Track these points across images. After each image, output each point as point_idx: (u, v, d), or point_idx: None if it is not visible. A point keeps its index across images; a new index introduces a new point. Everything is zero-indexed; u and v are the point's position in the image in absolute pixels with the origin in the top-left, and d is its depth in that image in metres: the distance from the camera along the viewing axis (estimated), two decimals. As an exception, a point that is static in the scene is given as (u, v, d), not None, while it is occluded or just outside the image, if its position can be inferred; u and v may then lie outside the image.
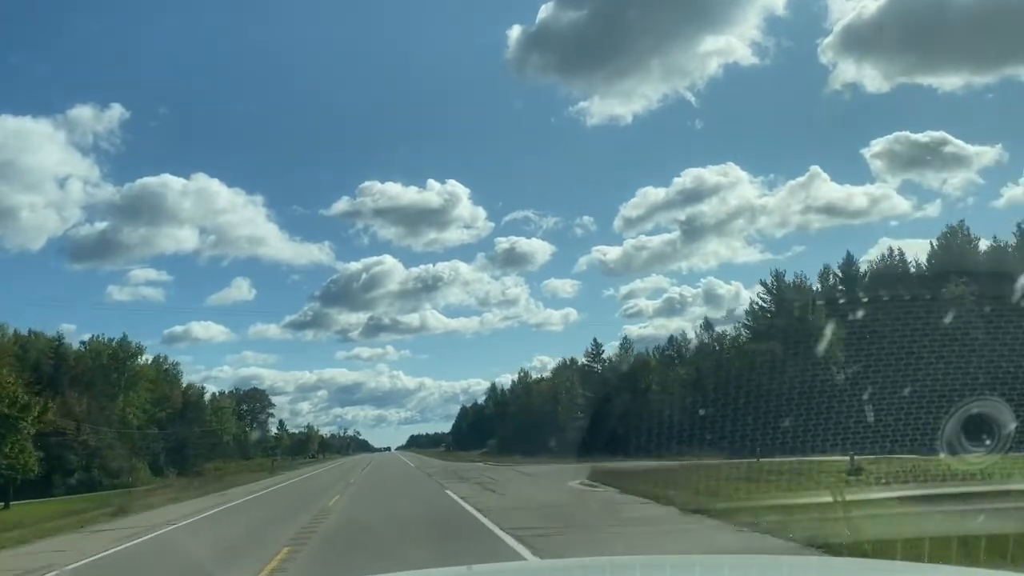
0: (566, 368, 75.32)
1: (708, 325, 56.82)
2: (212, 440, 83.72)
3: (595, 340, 65.36)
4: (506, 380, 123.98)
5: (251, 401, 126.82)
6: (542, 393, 77.07)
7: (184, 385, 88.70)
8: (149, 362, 69.89)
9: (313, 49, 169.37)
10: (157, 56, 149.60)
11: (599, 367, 59.58)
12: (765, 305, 53.49)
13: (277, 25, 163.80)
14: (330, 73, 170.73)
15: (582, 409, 58.62)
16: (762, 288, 53.79)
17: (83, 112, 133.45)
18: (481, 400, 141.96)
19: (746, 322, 55.03)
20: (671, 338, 64.31)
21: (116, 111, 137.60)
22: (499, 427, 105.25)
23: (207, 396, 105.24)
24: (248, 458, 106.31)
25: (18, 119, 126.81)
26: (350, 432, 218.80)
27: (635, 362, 55.32)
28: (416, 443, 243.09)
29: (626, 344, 58.18)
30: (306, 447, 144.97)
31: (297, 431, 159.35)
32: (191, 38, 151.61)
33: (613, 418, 49.10)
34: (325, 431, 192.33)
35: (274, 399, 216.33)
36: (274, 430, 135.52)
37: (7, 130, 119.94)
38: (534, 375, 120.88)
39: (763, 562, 4.93)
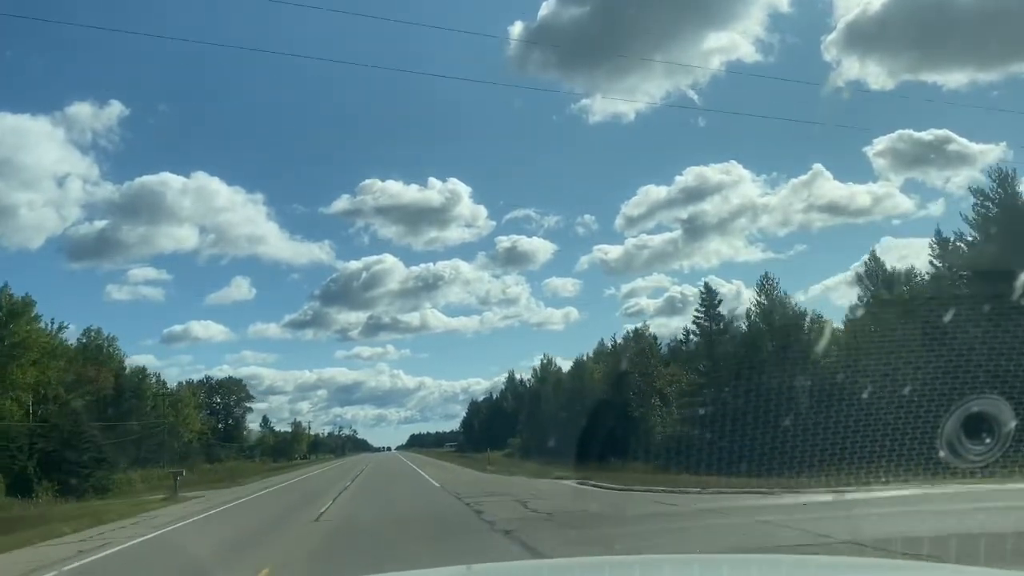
0: (625, 346, 55.43)
1: (874, 260, 36.71)
2: (158, 439, 63.89)
3: (706, 286, 43.44)
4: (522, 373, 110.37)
5: (225, 393, 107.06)
6: (589, 377, 57.35)
7: (128, 368, 69.25)
8: (56, 330, 50.01)
9: (313, 46, 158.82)
10: (156, 53, 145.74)
11: (718, 326, 38.85)
12: (980, 220, 33.74)
13: (277, 22, 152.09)
14: (330, 70, 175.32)
15: (677, 396, 38.89)
16: (976, 200, 33.91)
17: (82, 109, 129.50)
18: (482, 396, 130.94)
19: (933, 259, 35.25)
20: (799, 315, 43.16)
21: (115, 108, 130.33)
22: (525, 423, 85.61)
23: (171, 386, 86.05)
24: (216, 461, 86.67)
25: (16, 116, 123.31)
26: (346, 431, 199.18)
27: (784, 319, 34.43)
28: (418, 442, 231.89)
29: (767, 285, 36.95)
30: (292, 447, 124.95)
31: (288, 429, 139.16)
32: (190, 34, 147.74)
33: (748, 409, 29.16)
34: (323, 430, 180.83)
35: (273, 399, 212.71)
36: (254, 427, 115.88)
37: (4, 127, 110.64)
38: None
39: (763, 562, 4.70)
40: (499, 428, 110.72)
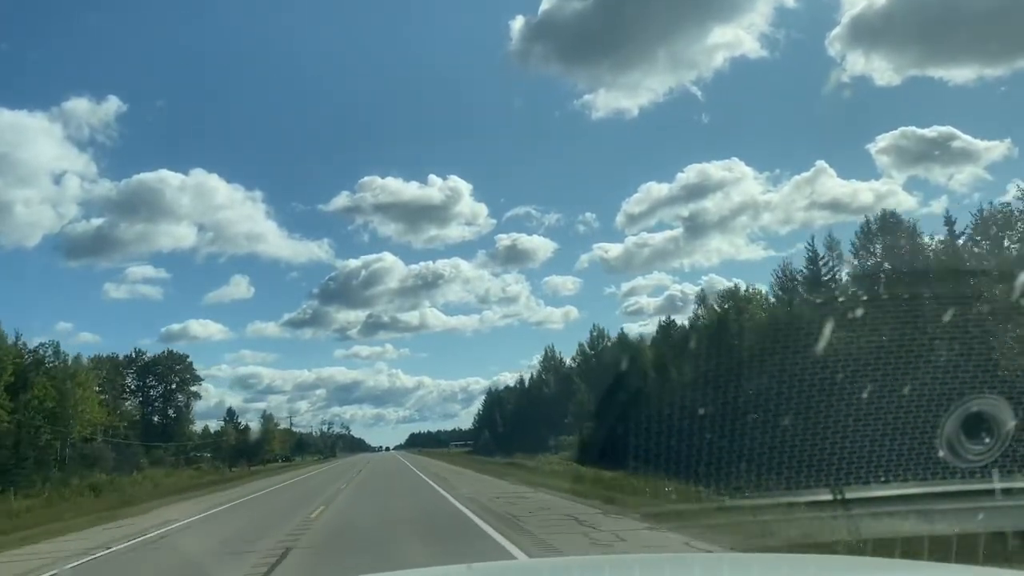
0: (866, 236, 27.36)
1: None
2: None
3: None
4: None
5: (163, 373, 78.64)
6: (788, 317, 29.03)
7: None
8: None
9: (313, 42, 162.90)
10: (154, 49, 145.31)
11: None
12: None
13: (276, 18, 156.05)
14: (330, 66, 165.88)
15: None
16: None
17: (79, 105, 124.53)
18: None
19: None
20: None
21: (113, 104, 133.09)
22: (597, 411, 57.27)
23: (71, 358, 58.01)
24: (136, 471, 58.75)
25: (13, 112, 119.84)
26: (336, 428, 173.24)
27: None
28: (419, 442, 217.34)
29: None
30: (261, 447, 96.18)
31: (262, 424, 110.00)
32: (189, 30, 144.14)
33: None
34: (312, 428, 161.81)
35: (272, 398, 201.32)
36: (204, 422, 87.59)
37: (1, 123, 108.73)
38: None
39: (763, 562, 4.77)
40: (532, 423, 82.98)
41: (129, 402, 76.22)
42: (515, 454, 65.31)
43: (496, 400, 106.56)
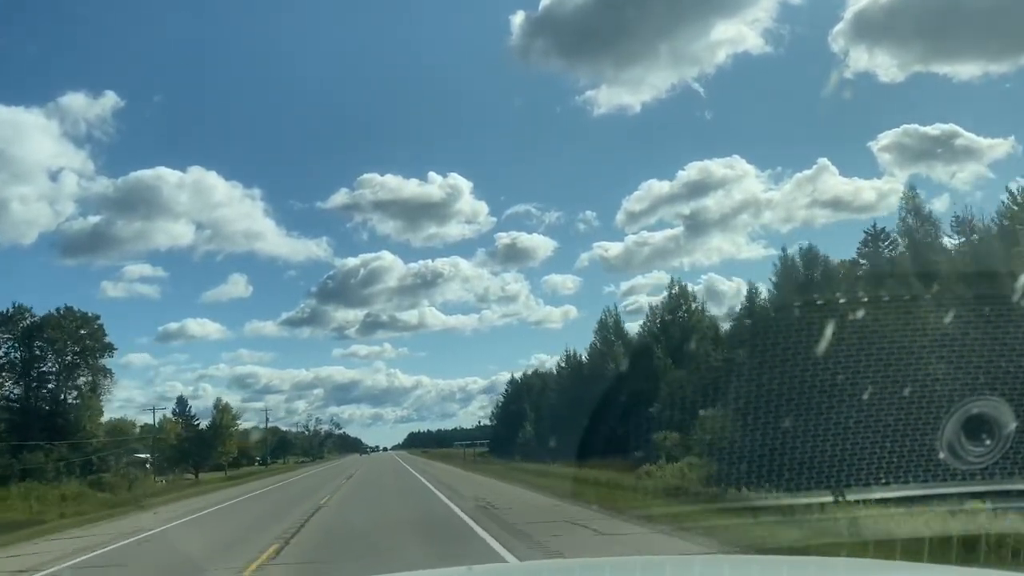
0: None
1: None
2: None
3: None
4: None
5: (57, 338, 54.19)
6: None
7: None
8: None
9: (312, 38, 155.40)
10: (152, 43, 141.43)
11: None
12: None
13: (275, 14, 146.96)
14: (329, 62, 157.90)
15: None
16: None
17: (75, 100, 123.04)
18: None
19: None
20: None
21: (110, 100, 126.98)
22: (753, 379, 32.87)
23: None
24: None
25: (9, 108, 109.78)
26: (325, 426, 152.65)
27: None
28: (419, 441, 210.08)
29: None
30: (213, 450, 71.08)
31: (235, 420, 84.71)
32: (187, 26, 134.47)
33: None
34: (303, 427, 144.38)
35: (269, 397, 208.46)
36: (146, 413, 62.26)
37: None
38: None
39: (763, 562, 4.83)
40: (588, 414, 58.64)
41: (6, 382, 52.15)
42: (589, 459, 40.92)
43: (523, 388, 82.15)
